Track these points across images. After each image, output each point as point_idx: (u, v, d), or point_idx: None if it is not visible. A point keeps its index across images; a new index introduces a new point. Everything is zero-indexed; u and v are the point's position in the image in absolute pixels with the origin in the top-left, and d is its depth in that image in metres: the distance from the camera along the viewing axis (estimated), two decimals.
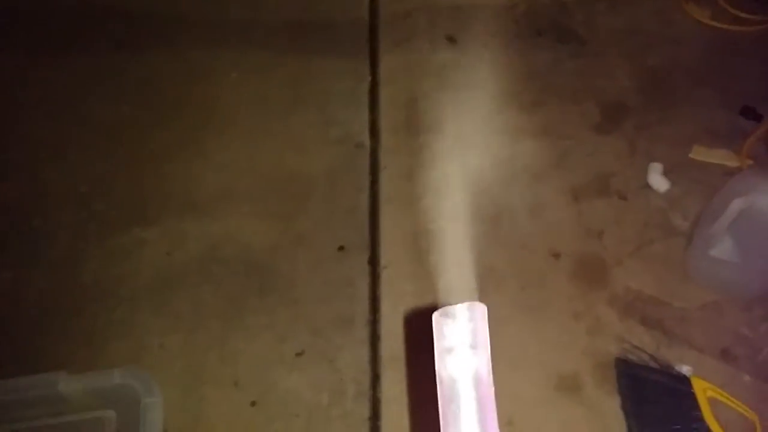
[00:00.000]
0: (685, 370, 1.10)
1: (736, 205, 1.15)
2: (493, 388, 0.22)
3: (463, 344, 0.23)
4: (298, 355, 1.23)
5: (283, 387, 1.20)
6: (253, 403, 1.19)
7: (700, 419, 1.03)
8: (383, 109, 1.55)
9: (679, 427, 1.03)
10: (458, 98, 1.55)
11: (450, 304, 0.23)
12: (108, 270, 1.36)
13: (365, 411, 1.16)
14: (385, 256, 1.32)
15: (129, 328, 1.29)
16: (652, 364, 1.12)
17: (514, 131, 1.49)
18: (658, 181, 1.35)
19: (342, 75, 1.62)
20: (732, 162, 1.38)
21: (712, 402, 1.05)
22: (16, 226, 1.43)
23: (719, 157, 1.39)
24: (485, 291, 1.24)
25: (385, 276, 1.30)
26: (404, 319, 1.24)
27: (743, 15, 1.62)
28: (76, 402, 1.11)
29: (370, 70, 1.62)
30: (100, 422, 1.08)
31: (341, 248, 1.35)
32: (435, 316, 0.22)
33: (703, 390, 1.06)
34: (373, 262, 1.32)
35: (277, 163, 1.49)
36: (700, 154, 1.40)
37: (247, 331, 1.27)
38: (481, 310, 0.22)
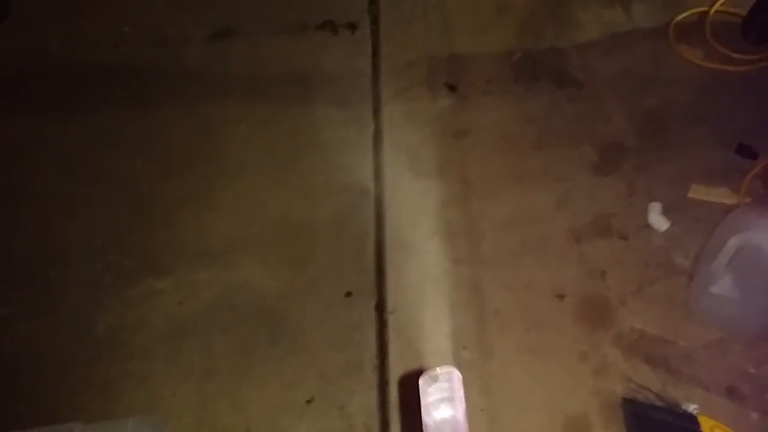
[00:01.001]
0: (692, 408, 1.10)
1: (734, 242, 1.16)
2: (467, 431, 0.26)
3: (443, 398, 0.27)
4: (308, 402, 1.24)
5: None
6: None
7: None
8: (387, 155, 1.58)
9: None
10: (459, 143, 1.58)
11: (433, 369, 0.27)
12: (122, 320, 1.38)
13: None
14: (392, 300, 1.34)
15: (143, 378, 1.31)
16: (659, 403, 1.12)
17: (514, 174, 1.52)
18: (657, 220, 1.37)
19: (346, 124, 1.66)
20: (730, 200, 1.39)
21: None
22: (33, 278, 1.46)
23: (717, 195, 1.41)
24: (490, 334, 1.26)
25: (392, 321, 1.31)
26: (412, 365, 1.25)
27: (735, 55, 1.66)
28: None
29: (374, 119, 1.66)
30: None
31: (348, 294, 1.37)
32: (420, 379, 0.27)
33: (710, 428, 1.06)
34: (380, 307, 1.34)
35: (285, 211, 1.52)
36: (698, 192, 1.41)
37: (257, 379, 1.28)
38: (457, 375, 0.27)
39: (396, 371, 1.24)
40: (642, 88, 1.66)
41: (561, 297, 1.30)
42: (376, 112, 1.68)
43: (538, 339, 1.25)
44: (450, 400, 0.28)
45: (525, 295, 1.31)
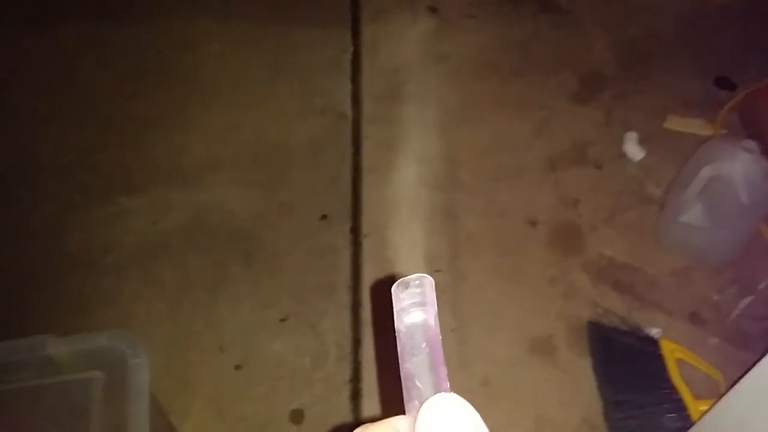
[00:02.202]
0: (655, 332, 1.13)
1: (706, 172, 1.16)
2: (440, 336, 0.27)
3: (414, 303, 0.27)
4: (282, 320, 1.24)
5: (267, 351, 1.22)
6: (237, 367, 1.20)
7: (668, 379, 1.06)
8: (365, 79, 1.54)
9: (647, 386, 1.06)
10: (439, 68, 1.54)
11: (405, 276, 0.28)
12: (94, 239, 1.36)
13: (347, 373, 1.18)
14: (367, 224, 1.33)
15: (116, 296, 1.30)
16: (623, 327, 1.14)
17: (494, 101, 1.49)
18: (633, 150, 1.36)
19: (324, 45, 1.61)
20: (706, 131, 1.39)
21: (680, 363, 1.08)
22: (4, 196, 1.42)
23: (693, 126, 1.40)
24: (463, 258, 1.26)
25: (367, 244, 1.31)
26: (385, 286, 1.26)
27: None
28: (64, 364, 1.12)
29: (353, 41, 1.61)
30: (88, 383, 1.09)
31: (324, 217, 1.35)
32: (393, 286, 0.27)
33: (671, 351, 1.09)
34: (355, 230, 1.33)
35: (260, 133, 1.48)
36: (674, 123, 1.40)
37: (231, 298, 1.28)
38: (429, 279, 0.27)
39: (369, 293, 1.25)
40: (625, 16, 1.62)
41: (534, 224, 1.30)
42: (356, 34, 1.62)
43: (510, 264, 1.26)
44: (422, 304, 0.27)
45: (499, 221, 1.31)
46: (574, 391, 1.10)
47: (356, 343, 1.21)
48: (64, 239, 1.36)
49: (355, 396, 1.16)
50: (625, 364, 1.10)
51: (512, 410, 1.09)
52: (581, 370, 1.12)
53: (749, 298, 1.16)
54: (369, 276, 1.27)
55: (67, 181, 1.43)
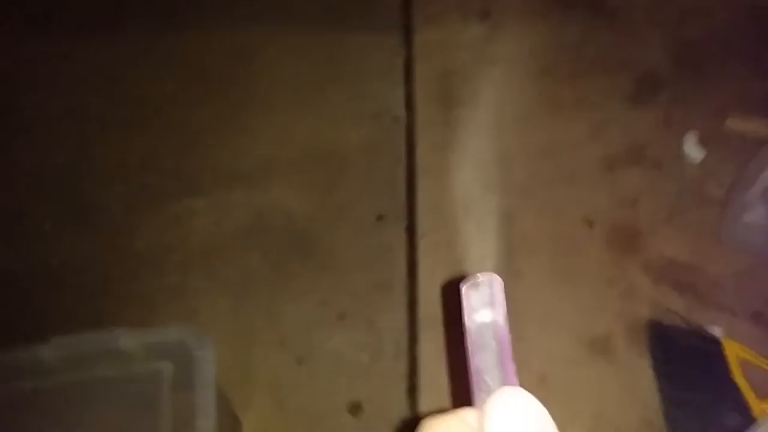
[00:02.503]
0: (717, 332, 1.12)
1: None
2: (509, 336, 0.29)
3: (484, 303, 0.29)
4: (340, 317, 1.28)
5: (327, 347, 1.25)
6: (298, 361, 1.24)
7: (730, 379, 1.05)
8: (418, 83, 1.56)
9: (709, 386, 1.05)
10: (492, 71, 1.56)
11: (473, 275, 0.30)
12: (160, 238, 1.42)
13: (403, 368, 1.21)
14: (422, 225, 1.35)
15: (181, 292, 1.35)
16: (684, 326, 1.13)
17: (548, 103, 1.49)
18: (692, 150, 1.35)
19: (377, 50, 1.64)
20: (767, 131, 1.37)
21: (743, 363, 1.07)
22: (73, 197, 1.50)
23: (754, 127, 1.38)
24: (519, 258, 1.27)
25: (423, 244, 1.33)
26: (441, 285, 1.28)
27: None
28: (135, 356, 1.17)
29: (405, 45, 1.64)
30: (157, 374, 1.14)
31: (380, 217, 1.38)
32: (462, 286, 0.29)
33: (733, 351, 1.08)
34: (411, 230, 1.35)
35: (315, 136, 1.53)
36: (735, 124, 1.38)
37: (291, 295, 1.32)
38: (498, 280, 0.29)
39: (425, 291, 1.27)
40: (680, 16, 1.60)
41: (591, 224, 1.30)
42: (408, 39, 1.65)
43: (566, 264, 1.26)
44: (491, 304, 0.29)
45: (555, 221, 1.32)
46: (633, 391, 1.09)
47: (413, 339, 1.23)
48: (132, 238, 1.42)
49: (412, 390, 1.18)
50: (686, 364, 1.09)
51: (570, 408, 1.09)
52: (640, 370, 1.11)
53: None
54: (425, 275, 1.29)
55: (133, 183, 1.50)
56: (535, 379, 1.12)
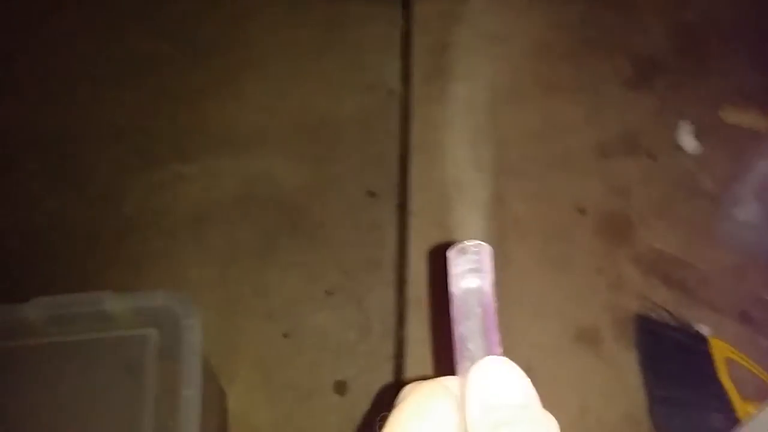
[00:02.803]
0: (704, 330, 1.04)
1: (763, 168, 1.05)
2: (495, 304, 0.26)
3: (471, 269, 0.26)
4: (328, 293, 1.18)
5: (314, 322, 1.17)
6: (285, 335, 1.15)
7: (716, 378, 0.98)
8: (415, 56, 1.43)
9: (694, 384, 0.98)
10: (491, 48, 1.43)
11: (462, 241, 0.26)
12: (148, 203, 1.31)
13: (390, 349, 1.13)
14: (414, 202, 1.24)
15: (169, 258, 1.25)
16: (672, 322, 1.06)
17: (545, 83, 1.38)
18: (688, 141, 1.25)
19: (375, 21, 1.51)
20: (763, 124, 1.27)
21: (729, 362, 1.00)
22: (62, 155, 1.37)
23: (750, 119, 1.28)
24: (510, 242, 1.18)
25: (414, 222, 1.23)
26: (430, 264, 1.18)
27: None
28: (121, 320, 1.08)
29: (403, 17, 1.50)
30: (143, 339, 1.06)
31: (371, 193, 1.28)
32: (449, 250, 0.26)
33: (720, 350, 1.01)
34: (402, 208, 1.25)
35: (309, 106, 1.40)
36: (731, 115, 1.28)
37: (279, 267, 1.22)
38: (487, 247, 0.26)
39: (414, 270, 1.17)
40: (683, 2, 1.48)
41: (583, 211, 1.20)
42: (406, 10, 1.51)
43: (557, 251, 1.17)
44: (478, 271, 0.26)
45: (547, 206, 1.22)
46: (619, 384, 1.03)
47: (400, 319, 1.14)
48: (121, 202, 1.31)
49: (398, 371, 1.10)
50: (672, 360, 1.02)
51: (555, 398, 1.01)
52: (627, 363, 1.04)
53: None
54: (415, 254, 1.20)
55: (123, 143, 1.37)
56: (521, 367, 1.04)
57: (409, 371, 1.09)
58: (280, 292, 1.20)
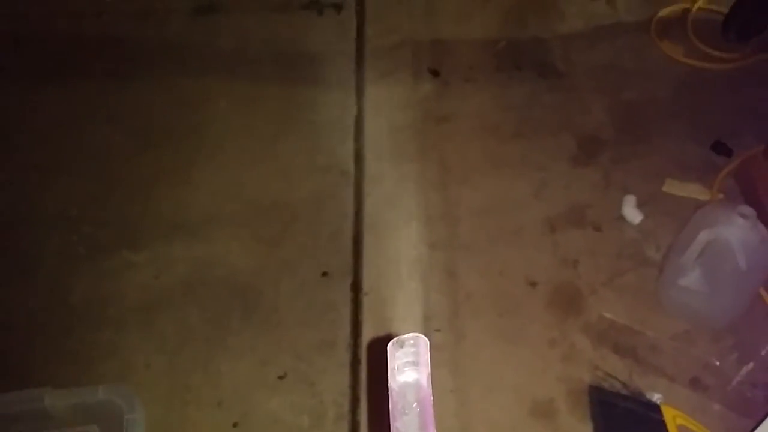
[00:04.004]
0: (656, 397, 1.11)
1: (704, 236, 1.16)
2: (431, 395, 0.29)
3: (408, 362, 0.30)
4: (280, 378, 1.22)
5: (265, 409, 1.20)
6: (235, 425, 1.18)
7: None
8: (368, 138, 1.56)
9: None
10: (440, 129, 1.56)
11: (401, 335, 0.30)
12: (96, 292, 1.35)
13: None
14: (368, 281, 1.32)
15: (115, 349, 1.28)
16: (624, 391, 1.12)
17: (493, 162, 1.50)
18: (631, 213, 1.37)
19: (329, 105, 1.63)
20: (703, 196, 1.39)
21: (682, 429, 1.06)
22: (6, 246, 1.42)
23: (691, 190, 1.41)
24: (463, 317, 1.25)
25: (367, 301, 1.30)
26: (384, 345, 1.24)
27: (715, 53, 1.65)
28: (61, 417, 1.11)
29: (356, 101, 1.63)
30: None
31: (324, 274, 1.35)
32: (389, 344, 0.30)
33: (672, 417, 1.07)
34: (356, 287, 1.32)
35: (263, 189, 1.49)
36: (672, 187, 1.41)
37: (230, 353, 1.26)
38: (424, 340, 0.30)
39: (369, 351, 1.23)
40: (622, 81, 1.65)
41: (533, 284, 1.29)
42: (359, 94, 1.65)
43: (510, 324, 1.24)
44: (415, 364, 0.30)
45: (498, 280, 1.31)
46: None
47: (355, 401, 1.19)
48: (67, 292, 1.35)
49: None
50: (626, 430, 1.07)
51: None
52: None
53: (751, 365, 1.14)
54: (368, 334, 1.26)
55: (73, 233, 1.43)
56: None
57: None
58: (230, 379, 1.24)
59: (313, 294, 1.33)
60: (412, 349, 0.30)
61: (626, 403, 1.10)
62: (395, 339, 0.30)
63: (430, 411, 0.28)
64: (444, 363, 1.19)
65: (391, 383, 0.30)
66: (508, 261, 1.33)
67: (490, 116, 1.59)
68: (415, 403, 0.29)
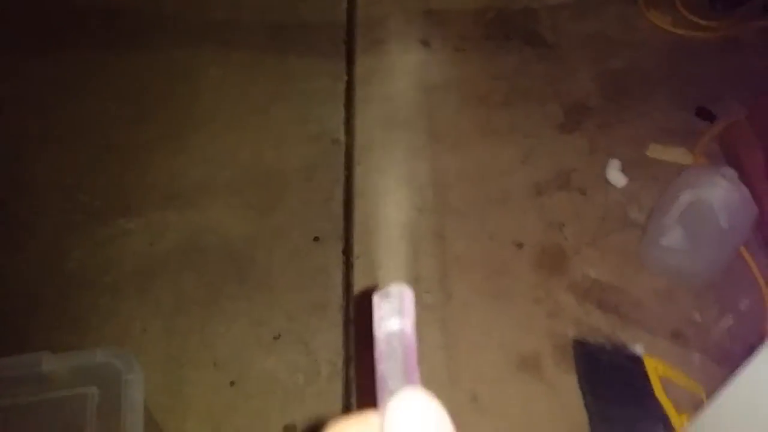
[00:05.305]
0: (639, 350, 1.16)
1: (685, 197, 1.20)
2: (415, 344, 0.29)
3: (393, 313, 0.30)
4: (275, 338, 1.26)
5: (261, 368, 1.23)
6: (231, 383, 1.22)
7: (652, 395, 1.09)
8: (358, 107, 1.59)
9: (632, 402, 1.09)
10: (430, 98, 1.60)
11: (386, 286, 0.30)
12: (92, 258, 1.38)
13: (339, 390, 1.20)
14: (359, 246, 1.36)
15: (113, 314, 1.31)
16: (608, 345, 1.17)
17: (482, 129, 1.54)
18: (616, 176, 1.41)
19: (319, 74, 1.66)
20: (686, 160, 1.44)
21: (664, 380, 1.11)
22: (5, 215, 1.45)
23: (674, 155, 1.45)
24: (452, 278, 1.29)
25: (358, 265, 1.33)
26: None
27: (702, 22, 1.69)
28: (59, 381, 1.13)
29: (347, 70, 1.66)
30: (83, 398, 1.10)
31: (316, 239, 1.38)
32: (374, 296, 0.30)
33: (654, 368, 1.11)
34: (347, 252, 1.36)
35: (256, 157, 1.52)
36: (656, 152, 1.45)
37: (225, 316, 1.30)
38: (408, 290, 0.30)
39: (360, 311, 1.27)
40: (610, 50, 1.68)
41: (520, 246, 1.33)
42: (350, 63, 1.68)
43: (497, 284, 1.29)
44: (399, 314, 0.29)
45: (486, 243, 1.34)
46: (561, 407, 1.12)
47: (348, 360, 1.23)
48: (64, 259, 1.38)
49: (348, 412, 1.17)
50: (610, 381, 1.12)
51: (500, 425, 1.10)
52: (568, 387, 1.14)
53: (730, 318, 1.19)
54: (360, 296, 1.30)
55: (68, 201, 1.46)
56: (467, 398, 1.14)
57: (358, 410, 1.17)
58: (226, 341, 1.28)
59: (305, 259, 1.36)
60: (397, 300, 0.29)
61: (610, 356, 1.15)
62: (380, 290, 0.29)
63: (414, 356, 0.28)
64: (434, 322, 1.23)
65: (376, 333, 0.29)
66: (495, 224, 1.37)
67: (480, 85, 1.62)
68: (400, 350, 0.28)
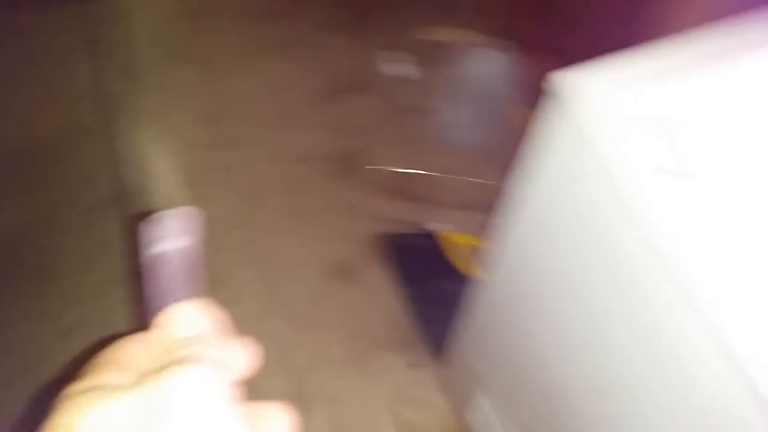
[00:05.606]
0: (434, 226, 1.19)
1: (467, 74, 1.24)
2: (191, 261, 0.28)
3: (171, 233, 0.28)
4: (67, 332, 1.15)
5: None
6: None
7: (449, 262, 1.14)
8: (107, 54, 1.44)
9: (435, 275, 1.13)
10: (195, 25, 1.48)
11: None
12: None
13: None
14: (147, 202, 1.25)
15: None
16: (407, 230, 1.20)
17: (252, 47, 1.46)
18: (395, 68, 1.39)
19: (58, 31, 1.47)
20: (460, 37, 1.42)
21: (455, 245, 1.16)
22: None
23: (448, 34, 1.42)
24: (252, 207, 1.24)
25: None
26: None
27: None
28: None
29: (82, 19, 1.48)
30: None
31: (90, 209, 1.26)
32: (153, 219, 0.28)
33: (445, 237, 1.16)
34: (136, 216, 1.24)
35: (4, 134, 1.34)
36: (431, 35, 1.42)
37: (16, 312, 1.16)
38: (185, 211, 0.28)
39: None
40: None
41: (315, 158, 1.30)
42: (83, 12, 1.49)
43: (299, 202, 1.25)
44: (176, 234, 0.28)
45: (281, 165, 1.29)
46: (379, 300, 1.12)
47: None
48: None
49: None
50: (414, 263, 1.15)
51: (325, 337, 1.09)
52: (380, 280, 1.15)
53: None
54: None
55: None
56: (288, 320, 1.11)
57: None
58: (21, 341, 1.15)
59: (83, 235, 1.24)
60: (169, 222, 0.27)
61: (410, 240, 1.17)
62: (160, 212, 0.28)
63: (190, 270, 0.27)
64: (249, 256, 1.18)
65: (146, 253, 0.28)
66: (288, 141, 1.31)
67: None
68: (170, 268, 0.27)
